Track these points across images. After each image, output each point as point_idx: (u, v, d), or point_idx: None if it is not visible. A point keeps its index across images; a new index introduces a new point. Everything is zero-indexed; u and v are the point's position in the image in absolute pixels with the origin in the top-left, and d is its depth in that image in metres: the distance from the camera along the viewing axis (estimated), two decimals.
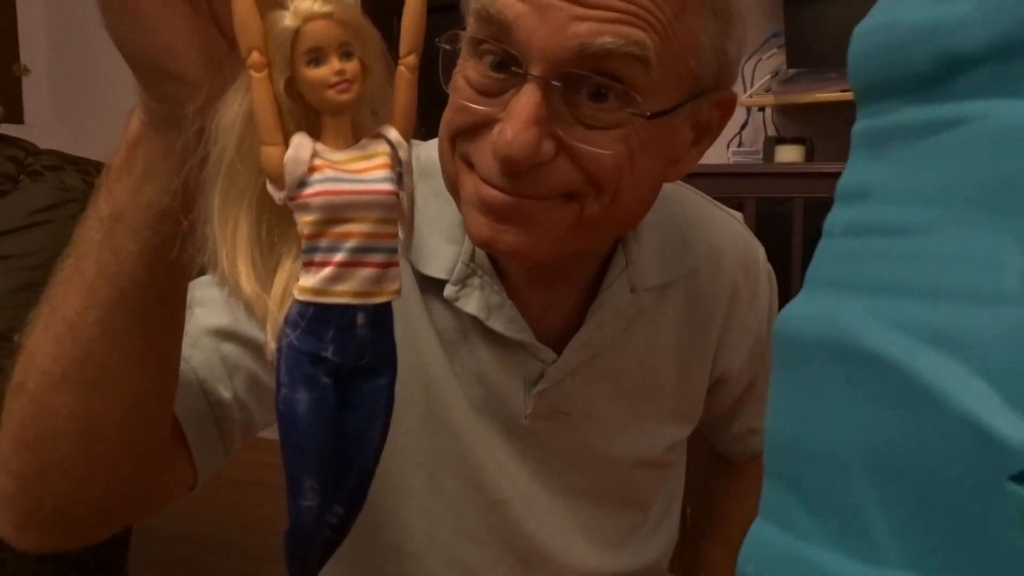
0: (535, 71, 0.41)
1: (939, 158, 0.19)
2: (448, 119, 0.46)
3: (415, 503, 0.54)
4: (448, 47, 0.46)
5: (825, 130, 1.78)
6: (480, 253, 0.52)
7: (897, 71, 0.20)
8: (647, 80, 0.41)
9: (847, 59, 0.22)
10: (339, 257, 0.26)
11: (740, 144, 1.85)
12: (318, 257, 0.26)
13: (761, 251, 0.64)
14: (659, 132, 0.44)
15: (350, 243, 0.26)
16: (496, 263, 0.52)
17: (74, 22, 2.95)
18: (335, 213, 0.26)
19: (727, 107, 0.49)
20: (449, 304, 0.52)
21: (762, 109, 1.83)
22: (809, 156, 1.66)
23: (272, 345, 0.27)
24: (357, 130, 0.27)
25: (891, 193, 0.20)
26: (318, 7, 0.25)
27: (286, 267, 0.27)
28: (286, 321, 0.27)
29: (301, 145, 0.26)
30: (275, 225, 0.27)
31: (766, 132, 1.83)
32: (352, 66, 0.26)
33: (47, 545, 0.43)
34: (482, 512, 0.55)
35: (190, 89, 0.27)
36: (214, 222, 0.27)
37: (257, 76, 0.25)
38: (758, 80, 1.85)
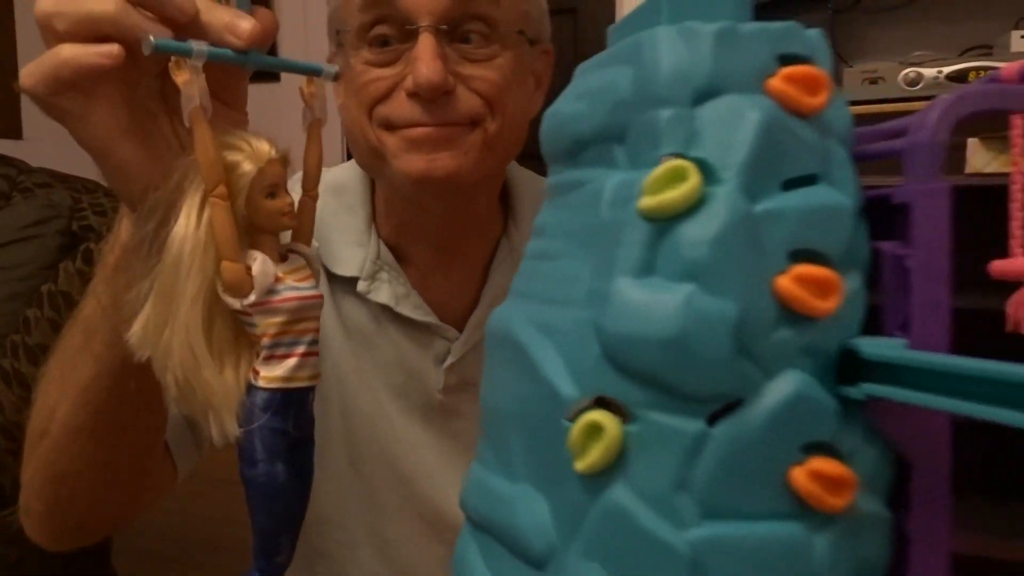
0: (425, 22, 0.52)
1: (568, 208, 0.27)
2: (362, 98, 0.56)
3: (340, 483, 0.62)
4: (341, 35, 0.57)
5: None
6: (385, 252, 0.61)
7: (558, 145, 0.29)
8: (500, 14, 0.54)
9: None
10: (301, 349, 0.32)
11: None
12: (281, 351, 0.32)
13: None
14: (519, 66, 0.56)
15: (307, 337, 0.32)
16: (400, 258, 0.61)
17: None
18: (299, 314, 0.32)
19: (549, 58, 0.62)
20: (361, 298, 0.61)
21: None
22: None
23: (236, 429, 0.31)
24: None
25: (548, 230, 0.28)
26: (273, 152, 0.32)
27: (230, 363, 0.32)
28: (255, 407, 0.31)
29: (266, 261, 0.32)
30: (221, 329, 0.33)
31: None
32: (291, 197, 0.33)
33: (73, 546, 0.54)
34: (395, 488, 0.63)
35: None
36: (178, 326, 0.31)
37: (222, 204, 0.31)
38: None
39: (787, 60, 0.25)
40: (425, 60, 0.52)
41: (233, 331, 0.33)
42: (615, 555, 0.23)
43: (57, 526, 0.52)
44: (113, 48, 0.32)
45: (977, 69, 1.48)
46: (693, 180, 0.23)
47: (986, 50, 1.66)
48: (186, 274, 0.31)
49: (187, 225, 0.31)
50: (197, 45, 0.31)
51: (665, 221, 0.23)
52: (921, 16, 1.82)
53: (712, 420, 0.23)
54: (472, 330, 0.62)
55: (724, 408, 0.23)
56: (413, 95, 0.53)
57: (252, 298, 0.31)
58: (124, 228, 0.41)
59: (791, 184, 0.24)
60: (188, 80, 0.31)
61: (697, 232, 0.23)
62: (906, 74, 1.58)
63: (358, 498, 0.63)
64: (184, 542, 1.96)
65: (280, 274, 0.32)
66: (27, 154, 1.68)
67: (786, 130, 0.24)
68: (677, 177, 0.23)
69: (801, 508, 0.23)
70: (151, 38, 0.31)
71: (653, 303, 0.23)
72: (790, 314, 0.23)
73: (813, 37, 0.26)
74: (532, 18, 0.57)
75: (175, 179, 0.32)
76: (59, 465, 0.48)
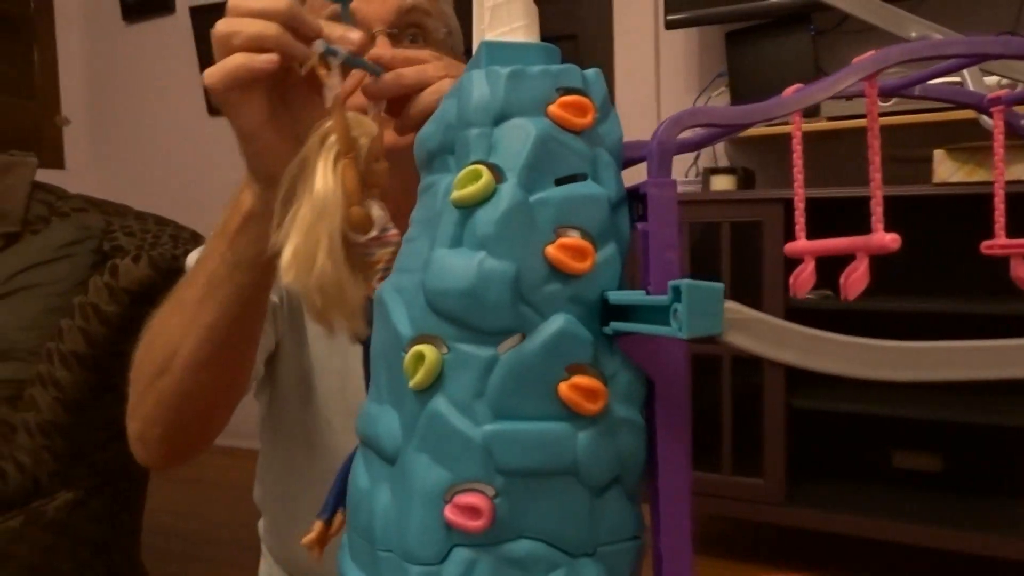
0: (379, 28, 0.68)
1: (424, 204, 0.37)
2: None
3: (313, 409, 0.76)
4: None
5: (765, 160, 1.94)
6: None
7: (420, 158, 0.38)
8: (430, 23, 0.70)
9: None
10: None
11: (697, 173, 2.02)
12: (380, 277, 0.42)
13: None
14: (451, 67, 0.71)
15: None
16: None
17: (109, 79, 3.24)
18: (391, 252, 0.43)
19: None
20: None
21: None
22: (746, 183, 1.82)
23: (366, 329, 0.41)
24: None
25: (414, 222, 0.38)
26: (376, 129, 0.44)
27: (351, 283, 0.42)
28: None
29: (380, 207, 0.43)
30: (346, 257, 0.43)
31: (716, 162, 2.00)
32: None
33: (176, 464, 0.67)
34: (345, 416, 0.75)
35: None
36: (326, 254, 0.41)
37: (352, 164, 0.42)
38: None
39: (565, 91, 0.34)
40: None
41: (351, 259, 0.43)
42: (436, 447, 0.32)
43: (171, 446, 0.65)
44: (274, 56, 0.46)
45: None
46: (485, 178, 0.32)
47: None
48: (328, 215, 0.41)
49: (324, 180, 0.41)
50: (340, 49, 0.45)
51: (468, 208, 0.32)
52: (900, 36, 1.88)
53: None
54: None
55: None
56: None
57: (373, 233, 0.42)
58: (246, 199, 0.53)
59: (564, 180, 0.33)
60: (331, 75, 0.44)
61: (487, 215, 0.32)
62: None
63: (319, 420, 0.76)
64: (204, 543, 2.08)
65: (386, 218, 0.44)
66: (69, 182, 1.84)
67: (558, 142, 0.33)
68: (475, 177, 0.32)
69: (567, 412, 0.32)
70: (320, 44, 0.45)
71: (456, 265, 0.32)
72: (557, 272, 0.32)
73: (590, 75, 0.35)
74: (452, 31, 0.73)
75: (303, 153, 0.43)
76: (180, 393, 0.60)
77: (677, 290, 0.26)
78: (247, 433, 1.15)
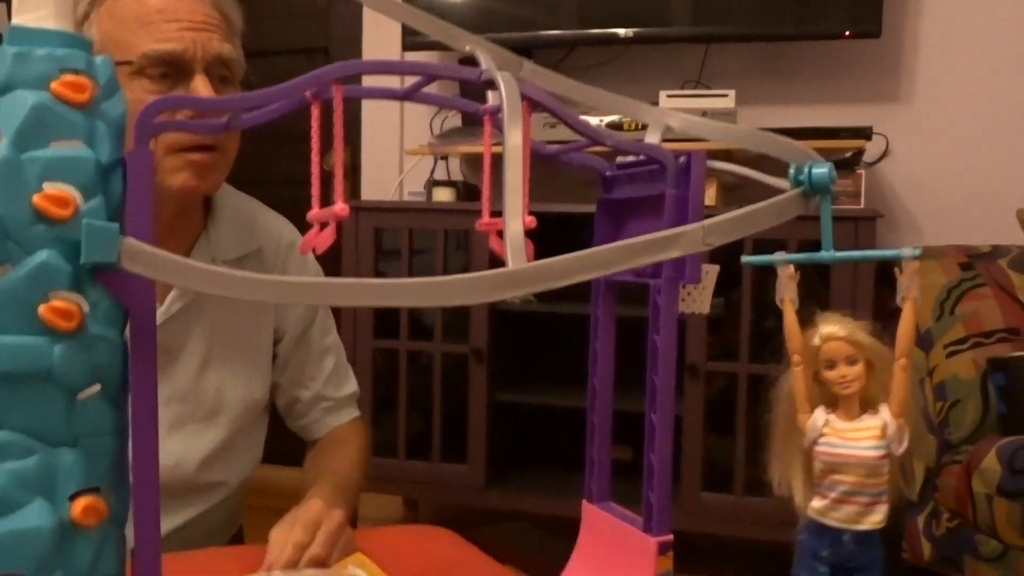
0: (198, 68, 0.79)
1: None
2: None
3: None
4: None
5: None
6: None
7: None
8: (237, 69, 0.85)
9: None
10: (833, 495, 0.44)
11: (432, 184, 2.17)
12: (821, 491, 0.45)
13: (298, 235, 0.97)
14: None
15: (840, 488, 0.44)
16: None
17: None
18: (831, 467, 0.44)
19: None
20: None
21: (445, 158, 2.17)
22: (468, 196, 1.99)
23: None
24: (867, 405, 0.45)
25: None
26: (836, 331, 0.44)
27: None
28: (804, 527, 0.46)
29: (818, 417, 0.44)
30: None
31: (449, 176, 2.17)
32: (855, 370, 0.44)
33: None
34: None
35: None
36: (777, 455, 0.47)
37: (796, 369, 0.44)
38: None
39: (70, 72, 0.42)
40: (205, 91, 0.78)
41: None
42: None
43: None
44: None
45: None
46: None
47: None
48: (783, 419, 0.47)
49: (782, 384, 0.47)
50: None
51: None
52: (616, 75, 2.16)
53: None
54: (170, 303, 0.84)
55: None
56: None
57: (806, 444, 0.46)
58: None
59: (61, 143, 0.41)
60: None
61: None
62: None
63: None
64: None
65: (828, 430, 0.45)
66: None
67: (55, 112, 0.41)
68: None
69: (46, 328, 0.39)
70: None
71: None
72: (42, 217, 0.40)
73: (98, 61, 0.43)
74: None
75: None
76: None
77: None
78: None
